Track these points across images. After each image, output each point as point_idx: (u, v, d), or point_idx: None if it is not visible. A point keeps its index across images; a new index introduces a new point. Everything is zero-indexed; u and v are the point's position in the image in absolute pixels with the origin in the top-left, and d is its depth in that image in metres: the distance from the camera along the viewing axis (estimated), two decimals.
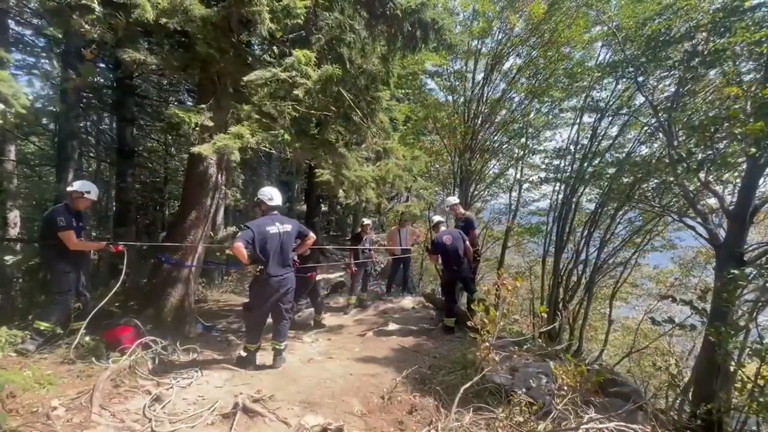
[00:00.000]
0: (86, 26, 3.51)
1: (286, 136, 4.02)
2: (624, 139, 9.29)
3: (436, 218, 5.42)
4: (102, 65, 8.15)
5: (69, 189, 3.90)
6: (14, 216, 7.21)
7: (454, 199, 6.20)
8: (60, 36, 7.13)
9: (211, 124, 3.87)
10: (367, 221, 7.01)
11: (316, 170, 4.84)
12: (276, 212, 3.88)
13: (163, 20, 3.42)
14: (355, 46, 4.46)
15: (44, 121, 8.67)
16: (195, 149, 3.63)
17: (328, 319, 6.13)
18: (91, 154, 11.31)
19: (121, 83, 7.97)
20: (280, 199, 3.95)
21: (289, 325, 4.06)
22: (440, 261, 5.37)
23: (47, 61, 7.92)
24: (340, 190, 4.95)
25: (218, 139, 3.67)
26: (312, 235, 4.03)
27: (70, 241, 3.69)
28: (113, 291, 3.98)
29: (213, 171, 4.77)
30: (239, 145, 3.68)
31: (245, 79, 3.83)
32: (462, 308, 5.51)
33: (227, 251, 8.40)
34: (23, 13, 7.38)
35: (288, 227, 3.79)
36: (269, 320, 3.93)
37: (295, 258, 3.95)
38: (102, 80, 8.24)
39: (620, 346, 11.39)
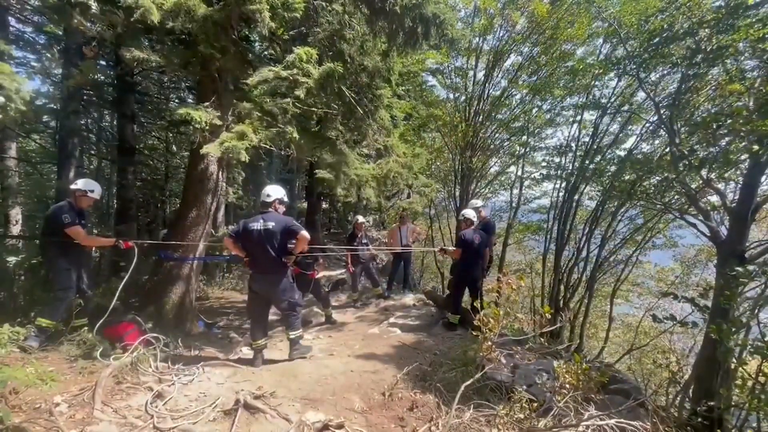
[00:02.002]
0: (86, 24, 3.51)
1: (294, 134, 4.00)
2: (625, 136, 9.27)
3: (474, 217, 5.27)
4: (102, 62, 8.15)
5: (72, 187, 3.90)
6: (16, 213, 7.24)
7: (479, 202, 5.97)
8: (60, 33, 7.14)
9: (219, 122, 3.87)
10: (360, 219, 6.90)
11: (316, 170, 4.83)
12: (271, 210, 3.77)
13: (169, 23, 3.42)
14: (355, 42, 4.45)
15: (45, 118, 8.67)
16: (203, 149, 3.62)
17: None
18: (92, 152, 11.33)
19: (121, 80, 7.97)
20: (274, 196, 3.80)
21: (298, 317, 4.01)
22: (460, 257, 5.22)
23: (48, 57, 7.91)
24: (340, 188, 4.96)
25: (225, 138, 3.66)
26: (303, 234, 3.68)
27: (79, 236, 3.70)
28: (122, 284, 4.02)
29: (214, 169, 4.78)
30: (246, 144, 3.67)
31: (249, 81, 3.82)
32: (464, 306, 5.51)
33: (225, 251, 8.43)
34: (24, 11, 7.37)
35: (270, 224, 3.63)
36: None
37: (284, 259, 3.75)
38: (102, 77, 8.23)
39: (621, 344, 11.40)
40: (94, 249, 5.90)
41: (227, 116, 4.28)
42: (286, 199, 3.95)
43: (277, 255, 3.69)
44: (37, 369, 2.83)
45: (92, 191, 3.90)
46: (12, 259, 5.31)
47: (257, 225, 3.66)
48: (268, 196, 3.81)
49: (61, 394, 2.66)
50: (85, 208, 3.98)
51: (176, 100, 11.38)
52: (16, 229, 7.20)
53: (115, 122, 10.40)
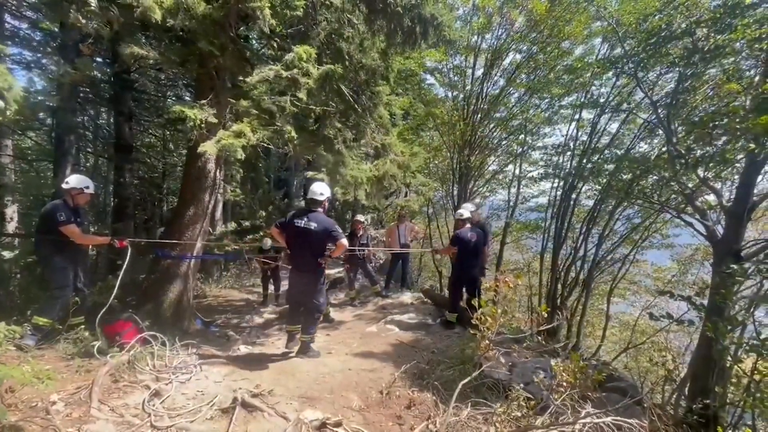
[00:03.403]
0: (82, 20, 3.49)
1: (292, 133, 3.99)
2: (623, 135, 9.29)
3: (467, 214, 5.28)
4: (99, 59, 8.10)
5: (66, 186, 3.83)
6: (12, 211, 7.21)
7: (471, 207, 5.82)
8: (56, 30, 7.08)
9: (215, 121, 3.85)
10: (360, 218, 7.00)
11: (308, 172, 4.85)
12: (319, 210, 3.81)
13: (170, 21, 3.40)
14: (354, 41, 4.44)
15: (41, 115, 8.61)
16: (200, 148, 3.60)
17: None
18: (89, 150, 11.26)
19: (118, 78, 7.93)
20: (326, 195, 3.84)
21: (316, 323, 4.12)
22: (455, 256, 5.24)
23: (44, 55, 7.86)
24: (338, 188, 4.95)
25: (221, 136, 3.64)
26: (343, 241, 3.78)
27: (74, 235, 3.67)
28: (118, 282, 3.99)
29: (211, 166, 4.76)
30: (242, 143, 3.65)
31: (249, 80, 3.81)
32: (462, 305, 5.51)
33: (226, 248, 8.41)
34: (20, 7, 7.31)
35: (313, 224, 3.67)
36: None
37: (319, 259, 3.80)
38: (99, 75, 8.18)
39: (617, 342, 11.45)
40: (90, 247, 5.86)
41: (225, 114, 4.26)
42: (332, 197, 4.07)
43: (313, 256, 3.75)
44: (34, 367, 2.81)
45: (87, 188, 3.86)
46: (7, 254, 5.29)
47: (301, 222, 3.69)
48: (321, 194, 3.80)
49: (57, 392, 2.64)
50: (82, 205, 3.94)
51: (173, 98, 11.33)
52: (11, 227, 7.16)
53: (111, 120, 10.33)
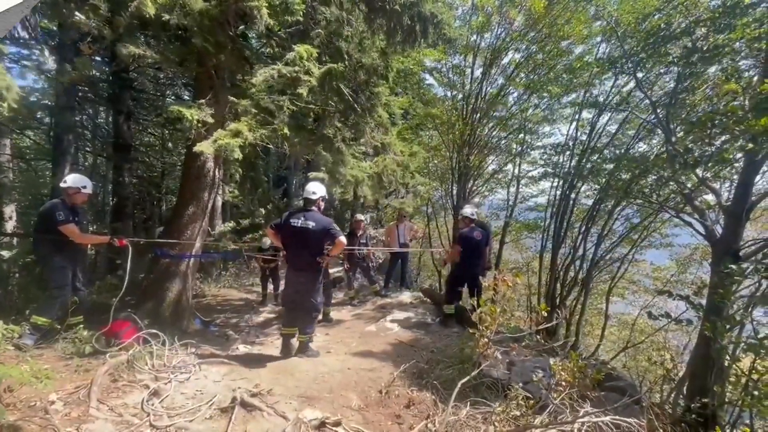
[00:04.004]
0: (83, 19, 3.48)
1: (285, 131, 3.99)
2: (622, 135, 9.29)
3: (472, 214, 5.28)
4: (98, 58, 8.07)
5: (63, 185, 3.84)
6: (11, 210, 7.19)
7: (471, 209, 5.74)
8: (55, 29, 7.06)
9: (212, 120, 3.84)
10: (360, 217, 7.00)
11: (309, 173, 4.84)
12: (314, 208, 3.83)
13: (165, 16, 3.39)
14: (354, 40, 4.44)
15: (39, 114, 8.58)
16: (196, 148, 3.59)
17: None
18: (88, 149, 11.22)
19: (117, 76, 7.91)
20: (319, 194, 3.86)
21: (314, 322, 4.07)
22: (460, 255, 5.23)
23: (42, 54, 7.84)
24: (337, 187, 4.95)
25: (218, 136, 3.63)
26: (341, 239, 3.82)
27: (74, 234, 3.66)
28: (125, 284, 3.99)
29: (210, 166, 4.75)
30: (239, 143, 3.65)
31: (254, 81, 3.80)
32: (461, 305, 5.51)
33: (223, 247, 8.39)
34: None
35: (310, 224, 3.69)
36: None
37: (318, 258, 3.80)
38: (98, 74, 8.16)
39: (616, 341, 11.47)
40: (89, 246, 5.85)
41: (224, 113, 4.25)
42: (326, 196, 4.04)
43: (312, 255, 3.74)
44: (32, 367, 2.80)
45: (84, 187, 3.85)
46: (6, 253, 5.27)
47: (298, 222, 3.70)
48: (314, 193, 3.83)
49: (56, 392, 2.64)
50: (79, 204, 3.93)
51: (172, 97, 11.30)
52: (10, 226, 7.15)
53: (110, 119, 10.30)
